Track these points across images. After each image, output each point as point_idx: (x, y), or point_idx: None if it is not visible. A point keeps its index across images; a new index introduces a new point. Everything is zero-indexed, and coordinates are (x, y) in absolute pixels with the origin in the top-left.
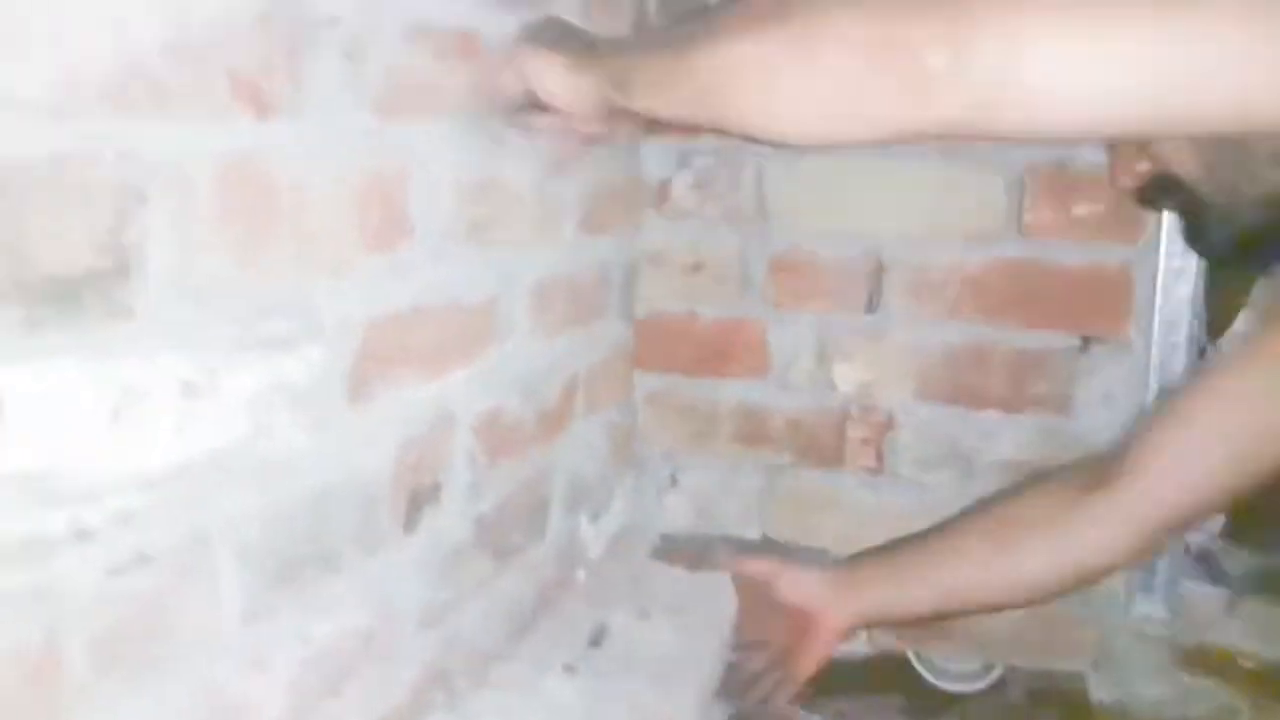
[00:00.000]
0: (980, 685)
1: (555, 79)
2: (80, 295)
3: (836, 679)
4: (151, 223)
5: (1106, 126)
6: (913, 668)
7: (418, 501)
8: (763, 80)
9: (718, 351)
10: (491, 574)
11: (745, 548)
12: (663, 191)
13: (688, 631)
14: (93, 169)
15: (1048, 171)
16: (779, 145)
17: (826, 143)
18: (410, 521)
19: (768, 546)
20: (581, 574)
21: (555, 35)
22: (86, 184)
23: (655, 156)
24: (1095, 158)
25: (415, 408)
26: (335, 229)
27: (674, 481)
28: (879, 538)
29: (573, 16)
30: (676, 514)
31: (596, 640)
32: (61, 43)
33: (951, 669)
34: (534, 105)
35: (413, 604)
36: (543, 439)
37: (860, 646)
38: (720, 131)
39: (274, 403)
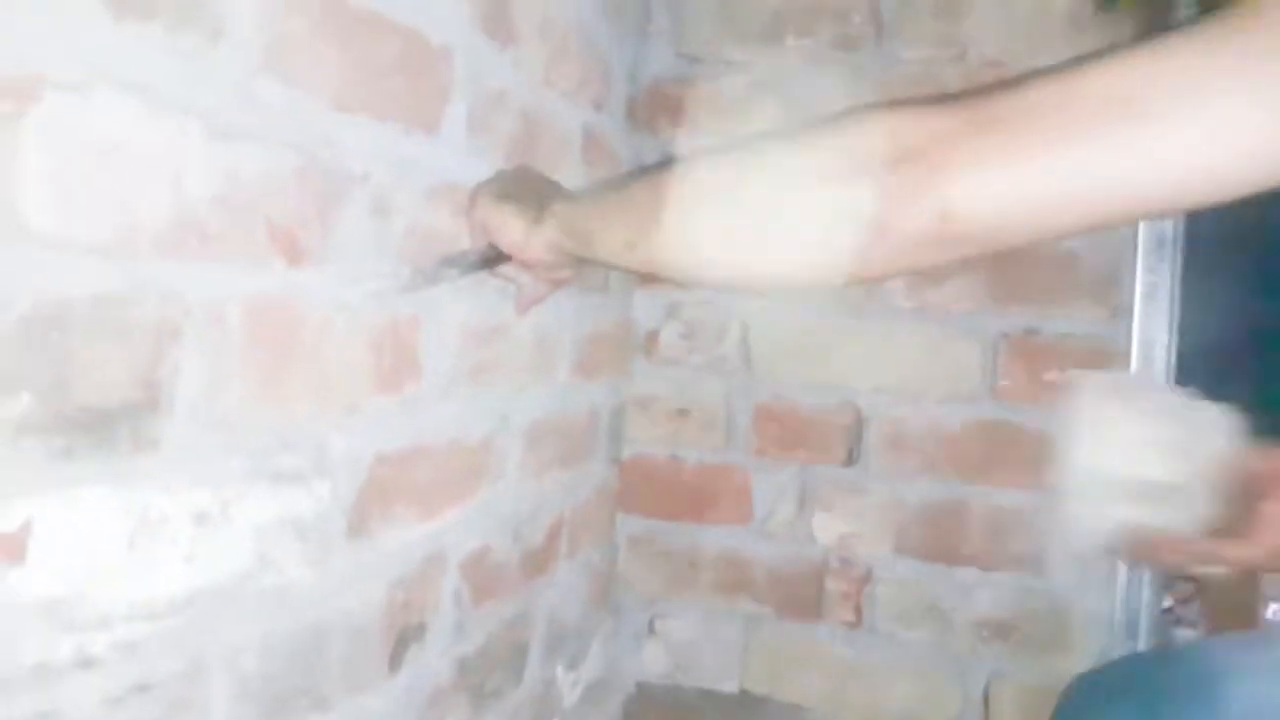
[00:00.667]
0: None
1: (514, 234)
2: (114, 426)
3: None
4: (184, 358)
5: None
6: None
7: (405, 640)
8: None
9: (700, 497)
10: (469, 717)
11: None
12: (651, 340)
13: None
14: (138, 308)
15: (1018, 338)
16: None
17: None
18: (395, 660)
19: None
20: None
21: (510, 187)
22: (130, 321)
23: (645, 306)
24: (1064, 328)
25: (410, 545)
26: (351, 369)
27: (652, 629)
28: (858, 693)
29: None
30: (654, 662)
31: None
32: (123, 192)
33: None
34: (500, 257)
35: None
36: (526, 580)
37: None
38: (669, 277)
39: (280, 535)
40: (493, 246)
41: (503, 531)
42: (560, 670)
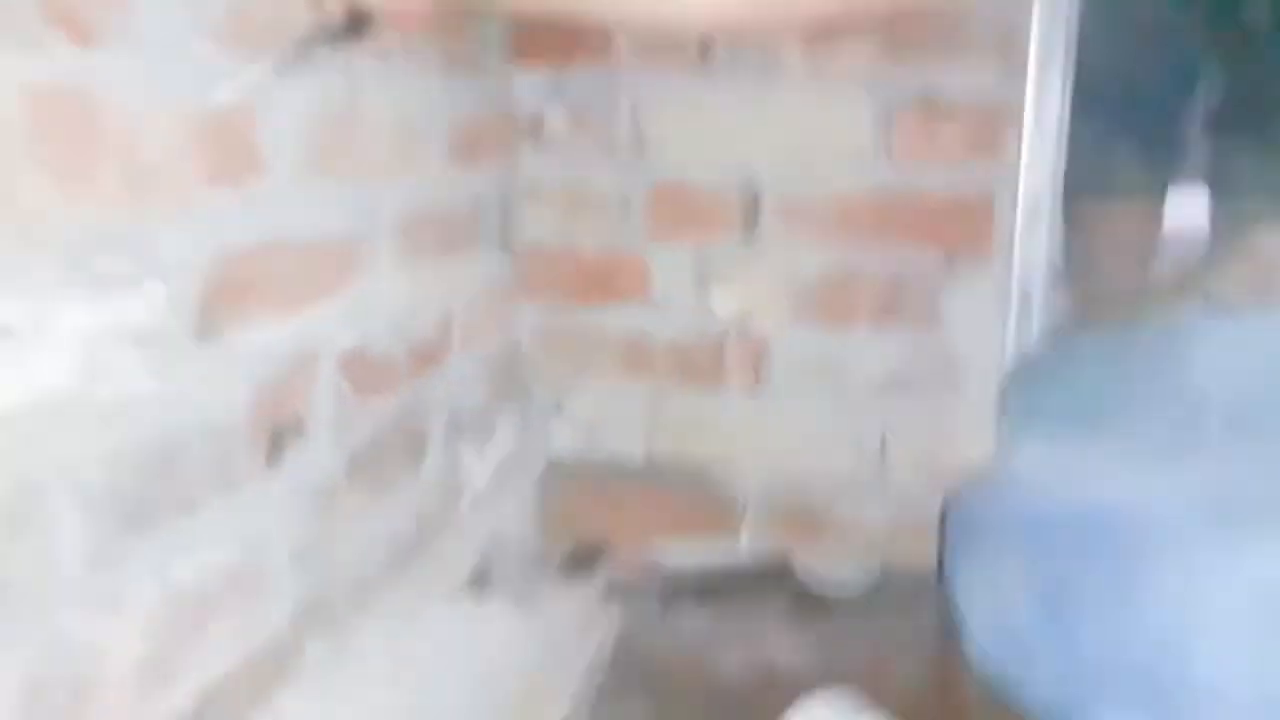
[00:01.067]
0: (858, 590)
1: None
2: None
3: (719, 583)
4: None
5: None
6: (794, 574)
7: (280, 438)
8: None
9: (600, 280)
10: (368, 506)
11: None
12: (536, 124)
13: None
14: None
15: (913, 100)
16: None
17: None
18: (273, 457)
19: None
20: (467, 500)
21: None
22: None
23: (527, 87)
24: (959, 88)
25: (273, 345)
26: (174, 163)
27: (560, 408)
28: (758, 451)
29: None
30: (563, 439)
31: (483, 573)
32: None
33: (832, 574)
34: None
35: (282, 538)
36: (417, 373)
37: (742, 556)
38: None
39: (112, 345)
40: (357, 9)
41: (382, 327)
42: (465, 453)
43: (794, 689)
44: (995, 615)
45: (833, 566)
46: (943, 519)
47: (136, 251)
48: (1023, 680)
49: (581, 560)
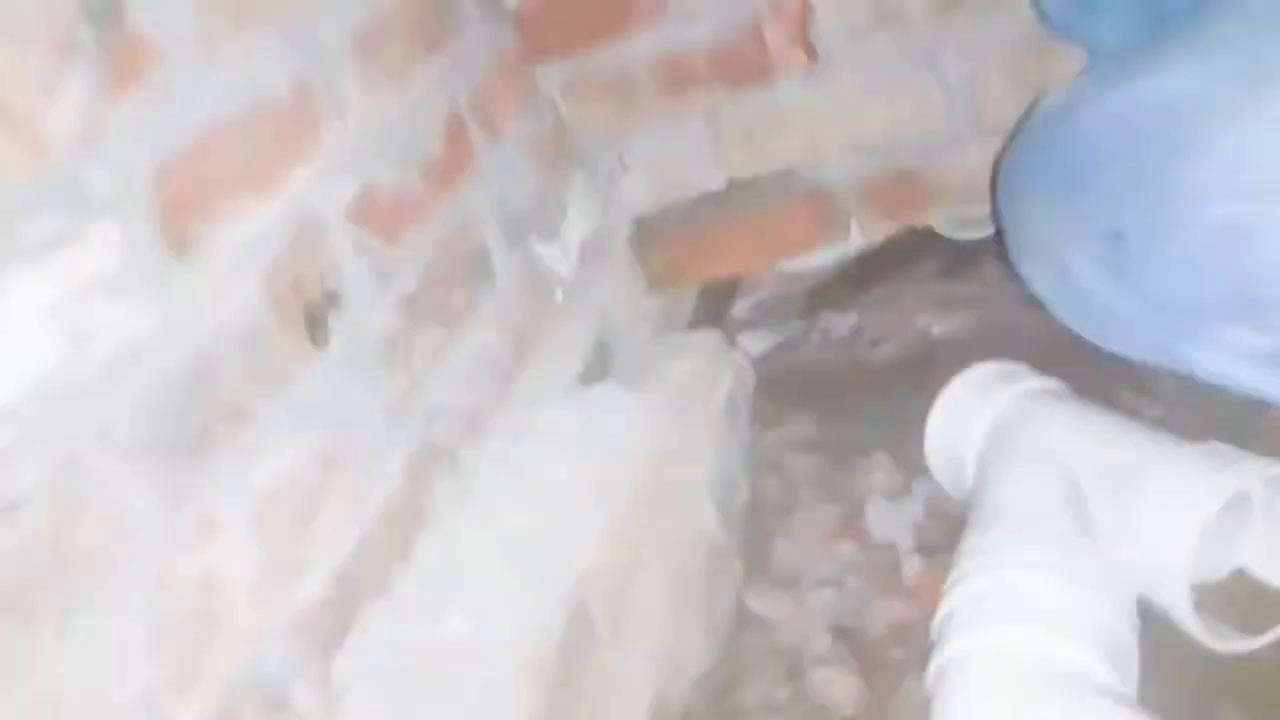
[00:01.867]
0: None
1: None
2: None
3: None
4: None
5: None
6: (935, 235)
7: (318, 315)
8: None
9: (611, 12)
10: (447, 341)
11: None
12: None
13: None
14: None
15: None
16: None
17: None
18: (318, 337)
19: None
20: (560, 293)
21: None
22: None
23: None
24: None
25: (264, 230)
26: (31, 83)
27: (623, 164)
28: (839, 135)
29: None
30: (638, 195)
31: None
32: None
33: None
34: None
35: (363, 405)
36: (445, 189)
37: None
38: None
39: (82, 303)
40: None
41: (379, 160)
42: (539, 247)
43: (953, 359)
44: (1060, 281)
45: (951, 225)
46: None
47: (64, 203)
48: (1106, 338)
49: (711, 310)
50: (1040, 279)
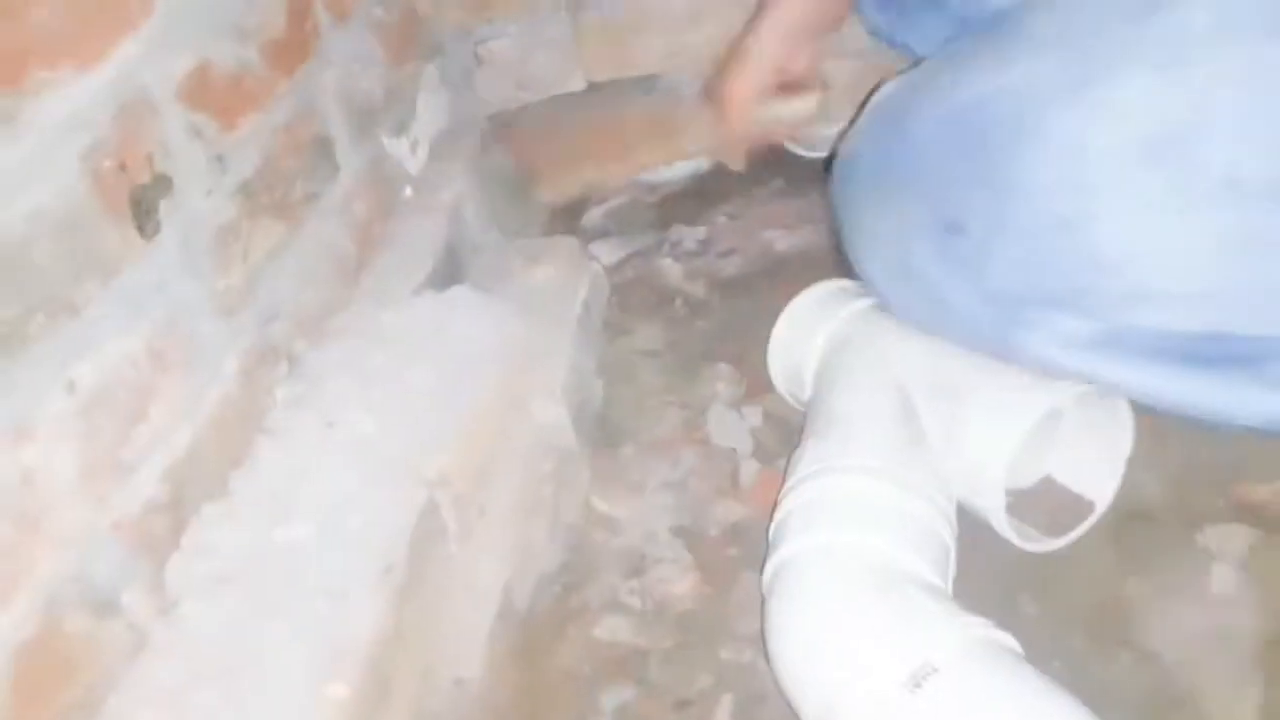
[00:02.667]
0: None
1: None
2: None
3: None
4: None
5: None
6: (785, 153)
7: (146, 202)
8: None
9: None
10: (287, 234)
11: None
12: None
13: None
14: None
15: None
16: None
17: None
18: (147, 226)
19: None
20: (409, 191)
21: None
22: None
23: None
24: None
25: (85, 108)
26: None
27: (479, 58)
28: (701, 37)
29: None
30: (493, 91)
31: (449, 262)
32: None
33: (815, 141)
34: None
35: (195, 301)
36: (286, 72)
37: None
38: None
39: None
40: None
41: (217, 34)
42: (387, 140)
43: (798, 274)
44: (900, 273)
45: (799, 144)
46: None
47: None
48: (941, 328)
49: (564, 216)
50: (877, 273)
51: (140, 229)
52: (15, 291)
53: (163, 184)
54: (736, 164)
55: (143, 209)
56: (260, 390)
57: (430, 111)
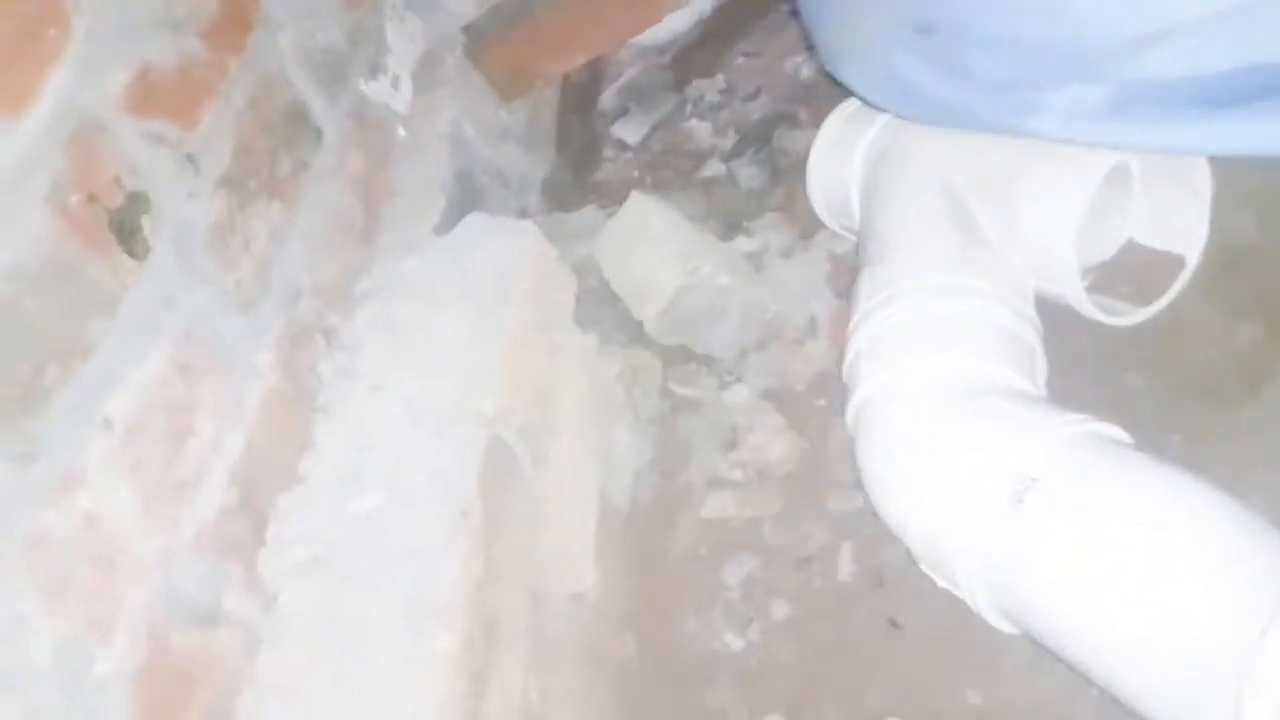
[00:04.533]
0: None
1: None
2: None
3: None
4: None
5: None
6: None
7: (128, 226)
8: None
9: None
10: (285, 212)
11: None
12: None
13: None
14: None
15: None
16: None
17: None
18: (134, 247)
19: None
20: (402, 131)
21: None
22: None
23: None
24: None
25: (27, 153)
26: None
27: None
28: None
29: None
30: (462, 2)
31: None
32: None
33: None
34: None
35: (208, 305)
36: (231, 45)
37: None
38: None
39: None
40: None
41: (146, 36)
42: (365, 86)
43: (829, 97)
44: (887, 80)
45: None
46: None
47: None
48: (950, 123)
49: (578, 106)
50: (865, 83)
51: (130, 252)
52: (18, 351)
53: (139, 202)
54: None
55: (126, 232)
56: (304, 371)
57: (403, 41)
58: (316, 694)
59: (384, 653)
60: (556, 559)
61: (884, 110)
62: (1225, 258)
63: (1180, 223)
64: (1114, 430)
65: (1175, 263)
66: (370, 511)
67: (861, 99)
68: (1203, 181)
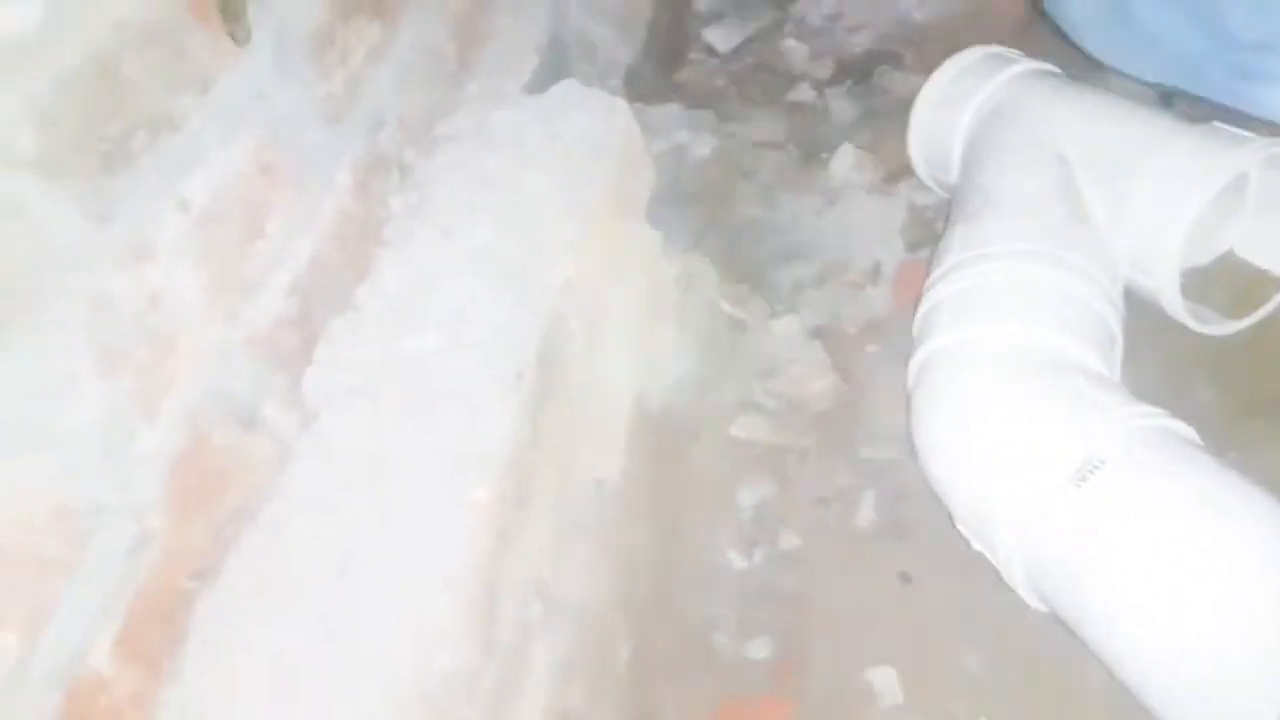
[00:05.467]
0: None
1: None
2: None
3: None
4: None
5: None
6: None
7: (234, 7)
8: None
9: None
10: (384, 34)
11: None
12: None
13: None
14: None
15: None
16: None
17: None
18: (239, 32)
19: None
20: None
21: None
22: None
23: None
24: None
25: None
26: None
27: None
28: None
29: None
30: None
31: (555, 58)
32: None
33: None
34: None
35: (298, 109)
36: None
37: None
38: None
39: None
40: None
41: None
42: None
43: (939, 44)
44: (1115, 19)
45: None
46: None
47: None
48: (1169, 75)
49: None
50: (1085, 18)
51: (231, 34)
52: (113, 107)
53: None
54: None
55: (231, 13)
56: (375, 201)
57: None
58: (344, 515)
59: (419, 490)
60: (587, 444)
61: (1097, 52)
62: None
63: None
64: (1186, 429)
65: (1272, 283)
66: (423, 351)
67: (1073, 28)
68: None
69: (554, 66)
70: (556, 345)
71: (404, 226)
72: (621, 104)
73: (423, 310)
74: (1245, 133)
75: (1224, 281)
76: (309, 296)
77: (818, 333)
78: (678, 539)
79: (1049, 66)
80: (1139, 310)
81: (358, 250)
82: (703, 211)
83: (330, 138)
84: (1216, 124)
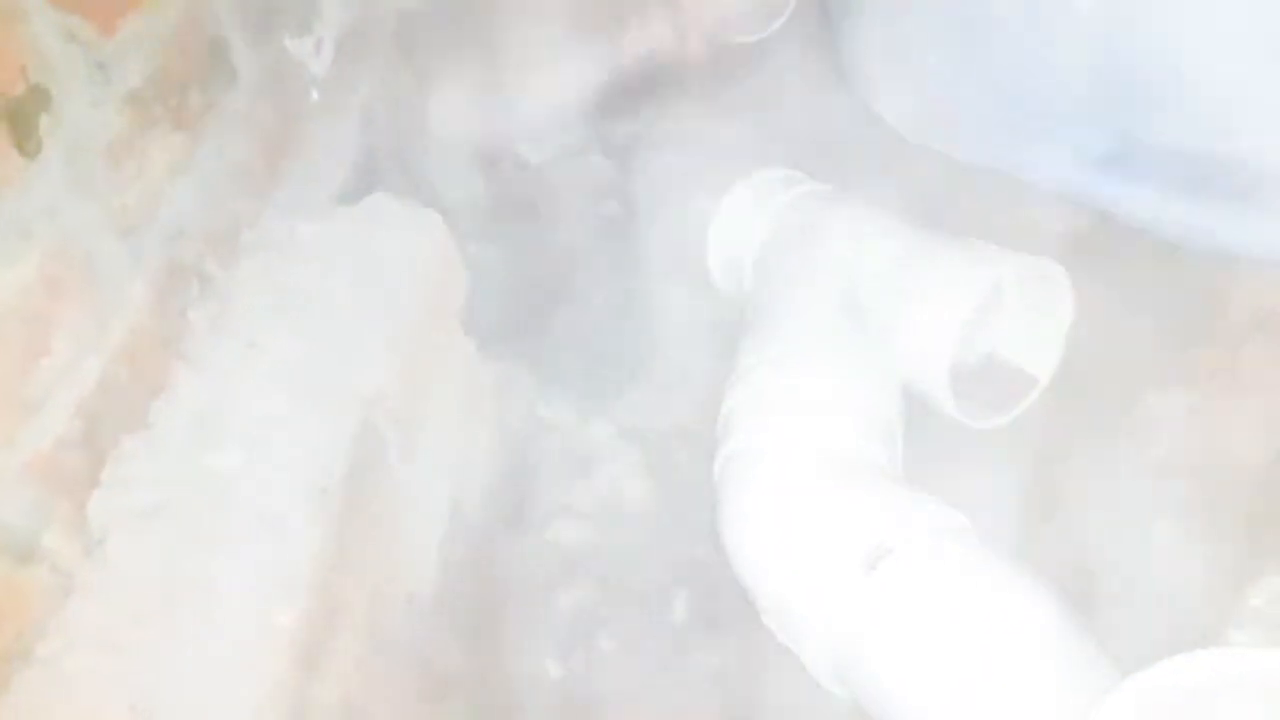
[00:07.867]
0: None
1: None
2: None
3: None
4: None
5: None
6: None
7: (23, 119)
8: None
9: None
10: (186, 146)
11: None
12: None
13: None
14: None
15: None
16: None
17: None
18: (27, 144)
19: None
20: (315, 95)
21: None
22: None
23: None
24: None
25: None
26: None
27: None
28: None
29: None
30: None
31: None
32: None
33: None
34: None
35: (90, 222)
36: None
37: None
38: None
39: None
40: None
41: None
42: (289, 42)
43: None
44: (908, 78)
45: None
46: None
47: None
48: (948, 138)
49: None
50: (883, 73)
51: (19, 147)
52: None
53: (40, 96)
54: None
55: (20, 125)
56: (172, 313)
57: (336, 9)
58: (134, 648)
59: (218, 616)
60: (400, 556)
61: (890, 114)
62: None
63: (1038, 347)
64: (962, 518)
65: (1028, 380)
66: (224, 469)
67: (871, 95)
68: (1065, 315)
69: (365, 178)
70: (366, 457)
71: (204, 339)
72: (434, 215)
73: (224, 425)
74: (998, 249)
75: (990, 380)
76: (96, 416)
77: (631, 437)
78: (493, 649)
79: (830, 189)
80: (918, 407)
81: (153, 364)
82: (519, 317)
83: (124, 250)
84: (974, 240)
